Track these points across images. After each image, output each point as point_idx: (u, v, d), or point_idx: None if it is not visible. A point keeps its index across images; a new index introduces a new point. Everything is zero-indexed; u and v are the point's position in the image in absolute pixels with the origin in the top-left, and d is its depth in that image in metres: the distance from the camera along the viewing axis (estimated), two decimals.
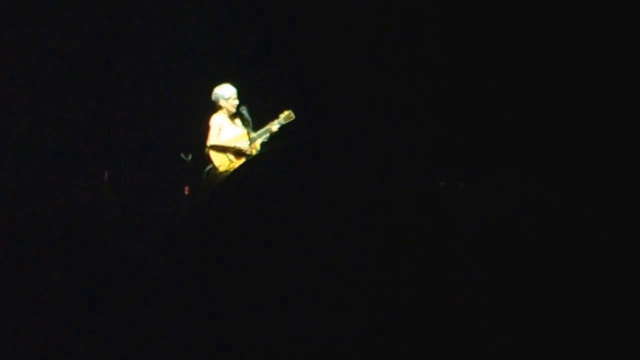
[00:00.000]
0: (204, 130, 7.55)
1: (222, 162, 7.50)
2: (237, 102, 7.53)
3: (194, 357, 2.83)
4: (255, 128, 7.53)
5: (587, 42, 6.88)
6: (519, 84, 7.20)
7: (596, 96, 6.78)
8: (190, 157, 7.70)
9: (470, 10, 7.46)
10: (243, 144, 7.51)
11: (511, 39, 7.27)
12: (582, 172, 5.86)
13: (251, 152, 7.47)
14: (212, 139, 7.49)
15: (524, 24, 7.22)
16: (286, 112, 7.61)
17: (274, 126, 7.55)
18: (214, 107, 7.59)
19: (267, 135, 7.56)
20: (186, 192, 7.74)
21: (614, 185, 5.37)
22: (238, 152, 7.51)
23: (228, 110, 7.55)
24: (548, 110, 7.02)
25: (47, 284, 3.13)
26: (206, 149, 7.51)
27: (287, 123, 7.59)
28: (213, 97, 7.57)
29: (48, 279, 3.01)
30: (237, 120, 7.60)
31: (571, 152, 6.53)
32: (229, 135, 7.54)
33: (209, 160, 7.53)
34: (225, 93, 7.54)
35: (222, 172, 7.42)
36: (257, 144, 7.54)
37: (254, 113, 7.54)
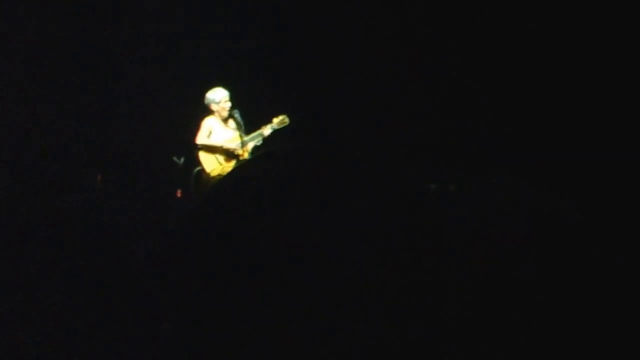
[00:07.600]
0: (195, 132, 7.50)
1: (213, 166, 7.43)
2: (229, 104, 7.45)
3: (190, 357, 2.85)
4: (248, 132, 7.51)
5: (580, 43, 6.93)
6: (511, 86, 7.25)
7: (585, 98, 6.83)
8: (182, 159, 7.67)
9: (463, 11, 7.50)
10: (232, 145, 7.46)
11: (504, 41, 7.31)
12: (572, 173, 5.91)
13: (242, 155, 7.42)
14: (200, 139, 7.41)
15: (513, 28, 7.27)
16: (280, 117, 7.56)
17: (267, 131, 7.49)
18: (207, 111, 7.52)
19: (260, 139, 7.51)
20: (178, 195, 7.71)
21: (603, 185, 5.42)
22: (228, 155, 7.45)
23: (220, 114, 7.48)
24: (537, 112, 7.07)
25: (45, 285, 3.15)
26: (196, 150, 7.47)
27: (281, 128, 7.57)
28: (205, 101, 7.49)
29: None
30: (231, 123, 7.51)
31: (560, 153, 6.59)
32: (219, 138, 7.48)
33: (198, 162, 7.47)
34: (217, 97, 7.46)
35: (214, 177, 7.36)
36: (249, 147, 7.47)
37: (246, 117, 7.52)
